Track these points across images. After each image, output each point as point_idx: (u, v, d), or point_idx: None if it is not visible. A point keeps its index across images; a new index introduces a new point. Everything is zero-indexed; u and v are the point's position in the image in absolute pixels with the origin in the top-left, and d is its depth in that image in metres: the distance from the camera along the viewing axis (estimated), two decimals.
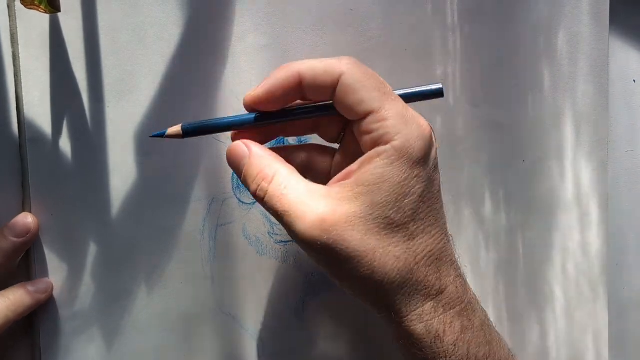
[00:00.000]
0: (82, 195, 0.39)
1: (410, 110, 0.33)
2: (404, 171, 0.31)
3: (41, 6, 0.35)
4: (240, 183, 0.42)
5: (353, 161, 0.33)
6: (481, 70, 0.46)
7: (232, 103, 0.41)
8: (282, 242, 0.43)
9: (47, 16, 0.38)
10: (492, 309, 0.47)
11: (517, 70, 0.47)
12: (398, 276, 0.32)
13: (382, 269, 0.31)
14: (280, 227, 0.43)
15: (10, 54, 0.38)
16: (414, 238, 0.32)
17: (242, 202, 0.42)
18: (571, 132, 0.48)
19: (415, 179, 0.32)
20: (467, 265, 0.46)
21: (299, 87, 0.33)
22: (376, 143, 0.32)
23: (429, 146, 0.32)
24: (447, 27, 0.45)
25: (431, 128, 0.33)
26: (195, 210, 0.41)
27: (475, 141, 0.46)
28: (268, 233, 0.43)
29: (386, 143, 0.32)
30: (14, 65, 0.38)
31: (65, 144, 0.39)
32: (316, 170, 0.37)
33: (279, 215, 0.32)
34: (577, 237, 0.49)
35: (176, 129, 0.32)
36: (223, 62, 0.41)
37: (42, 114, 0.39)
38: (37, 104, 0.39)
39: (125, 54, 0.39)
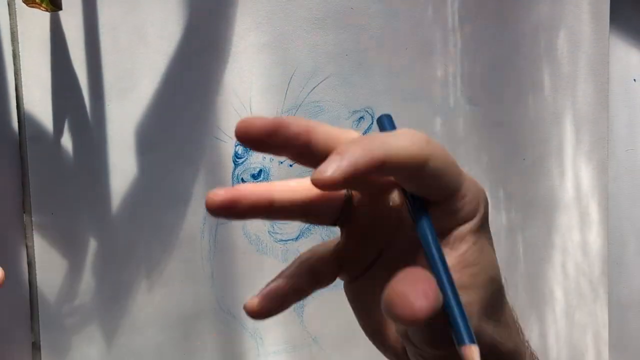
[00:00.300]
0: (83, 194, 0.39)
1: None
2: (488, 236, 0.30)
3: (42, 4, 0.35)
4: (241, 182, 0.42)
5: (366, 244, 0.30)
6: (481, 70, 0.46)
7: (232, 101, 0.41)
8: (281, 240, 0.43)
9: (47, 14, 0.38)
10: None
11: (517, 70, 0.47)
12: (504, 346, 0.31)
13: (496, 346, 0.31)
14: (281, 225, 0.43)
15: (11, 52, 0.38)
16: (505, 303, 0.31)
17: None
18: (571, 131, 0.48)
19: (492, 238, 0.31)
20: None
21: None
22: (461, 221, 0.29)
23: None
24: (448, 27, 0.45)
25: None
26: (196, 209, 0.41)
27: (476, 141, 0.46)
28: (268, 232, 0.43)
29: (471, 218, 0.29)
30: (14, 64, 0.38)
31: (65, 142, 0.39)
32: (322, 278, 0.30)
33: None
34: (577, 237, 0.49)
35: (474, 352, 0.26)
36: (224, 61, 0.41)
37: (42, 112, 0.39)
38: (38, 103, 0.38)
39: (126, 53, 0.39)
